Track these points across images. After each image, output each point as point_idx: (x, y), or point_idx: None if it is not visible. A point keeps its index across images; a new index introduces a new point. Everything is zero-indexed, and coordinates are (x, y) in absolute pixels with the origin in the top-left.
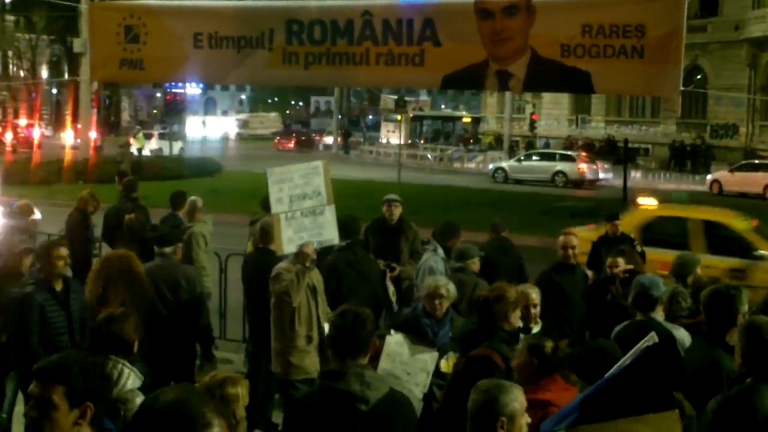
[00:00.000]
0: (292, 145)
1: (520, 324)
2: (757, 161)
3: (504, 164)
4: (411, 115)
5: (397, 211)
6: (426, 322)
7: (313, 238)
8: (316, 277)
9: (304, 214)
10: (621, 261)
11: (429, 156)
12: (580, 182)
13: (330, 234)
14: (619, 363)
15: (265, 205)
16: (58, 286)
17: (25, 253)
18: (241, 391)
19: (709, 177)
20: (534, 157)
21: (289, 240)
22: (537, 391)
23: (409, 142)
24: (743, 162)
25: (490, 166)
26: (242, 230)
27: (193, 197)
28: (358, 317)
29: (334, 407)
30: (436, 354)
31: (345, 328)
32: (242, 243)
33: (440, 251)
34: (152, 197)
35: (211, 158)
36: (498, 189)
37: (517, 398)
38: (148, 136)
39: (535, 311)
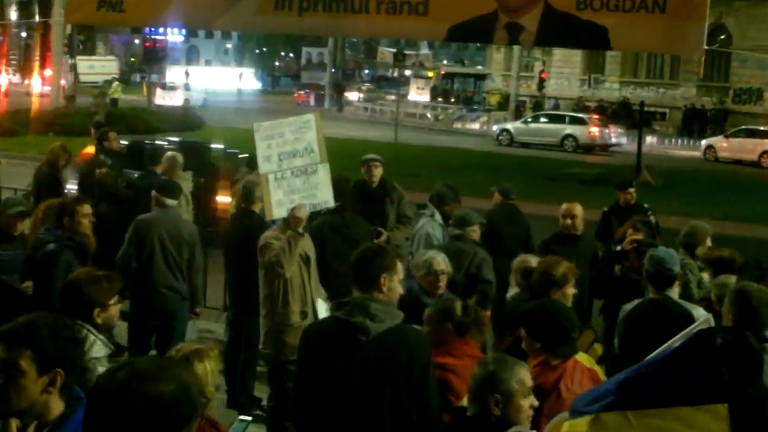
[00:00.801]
0: (312, 100)
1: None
2: (753, 127)
3: (509, 126)
4: (443, 72)
5: (378, 172)
6: (428, 303)
7: (305, 201)
8: (308, 245)
9: (295, 173)
10: (632, 232)
11: (428, 115)
12: (590, 147)
13: (324, 195)
14: (664, 346)
15: (251, 164)
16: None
17: (19, 217)
18: (210, 366)
19: (703, 143)
20: (542, 119)
21: (279, 203)
22: (443, 355)
23: (440, 99)
24: (740, 127)
25: (495, 128)
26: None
27: (171, 153)
28: (368, 252)
29: (336, 336)
30: None
31: (357, 262)
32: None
33: (438, 217)
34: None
35: (192, 111)
36: (502, 152)
37: (516, 376)
38: (172, 88)
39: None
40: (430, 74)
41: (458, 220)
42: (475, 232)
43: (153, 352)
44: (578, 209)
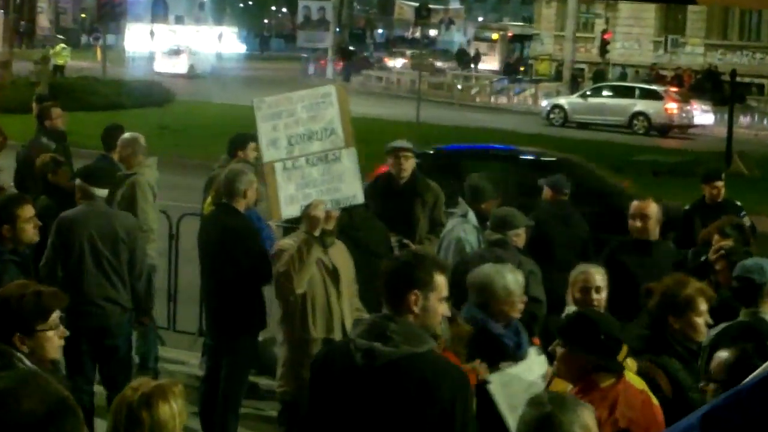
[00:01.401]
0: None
1: None
2: None
3: (563, 101)
4: (510, 35)
5: (409, 165)
6: (500, 333)
7: (325, 196)
8: (339, 255)
9: (311, 162)
10: (719, 238)
11: (459, 87)
12: (667, 128)
13: (350, 188)
14: (756, 373)
15: (234, 149)
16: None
17: None
18: (176, 406)
19: None
20: (605, 92)
21: (289, 199)
22: None
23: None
24: None
25: (545, 103)
26: (201, 182)
27: (132, 134)
28: (399, 262)
29: (339, 361)
30: (546, 367)
31: (385, 274)
32: (199, 199)
33: (471, 217)
34: (78, 133)
35: (158, 83)
36: (554, 134)
37: (580, 420)
38: (176, 52)
39: (599, 298)
40: (495, 36)
41: (498, 222)
42: (519, 237)
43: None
44: (652, 208)
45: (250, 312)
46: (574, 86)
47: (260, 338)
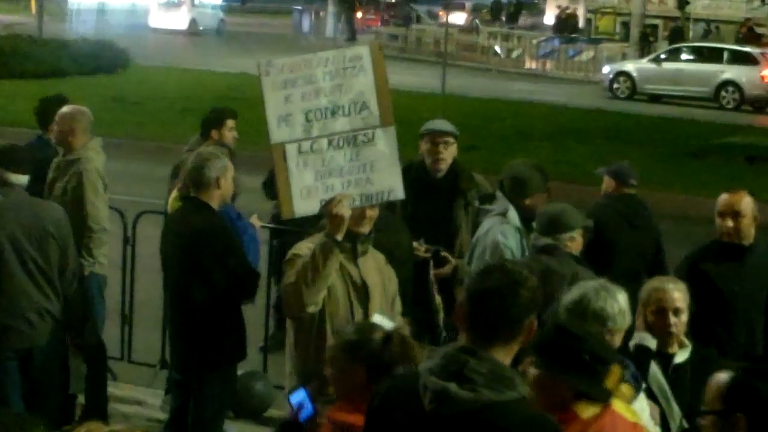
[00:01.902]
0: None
1: (648, 343)
2: None
3: (631, 67)
4: None
5: (449, 153)
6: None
7: (352, 189)
8: (374, 268)
9: (335, 144)
10: None
11: (497, 49)
12: (763, 102)
13: (386, 179)
14: None
15: (208, 128)
16: None
17: None
18: None
19: None
20: (684, 56)
21: (306, 192)
22: (350, 411)
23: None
24: None
25: (607, 70)
26: (165, 171)
27: (74, 107)
28: (505, 278)
29: (402, 403)
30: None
31: (480, 294)
32: (163, 192)
33: (513, 216)
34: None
35: (111, 43)
36: (618, 109)
37: None
38: (174, 4)
39: (679, 322)
40: None
41: (548, 222)
42: (574, 241)
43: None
44: (746, 204)
45: (226, 338)
46: (645, 48)
47: (239, 372)
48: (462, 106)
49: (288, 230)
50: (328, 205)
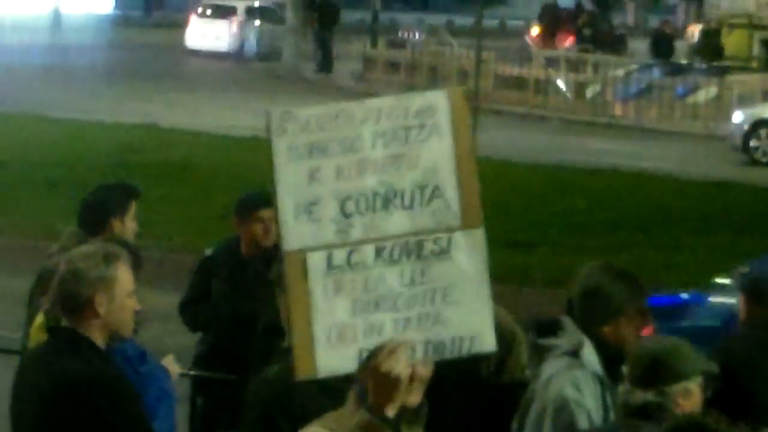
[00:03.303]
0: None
1: None
2: None
3: None
4: None
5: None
6: None
7: (414, 333)
8: None
9: (387, 256)
10: None
11: (560, 84)
12: None
13: (470, 320)
14: None
15: (102, 213)
16: None
17: None
18: None
19: None
20: None
21: (336, 334)
22: None
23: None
24: None
25: (739, 118)
26: (22, 285)
27: None
28: None
29: None
30: None
31: None
32: (16, 318)
33: (589, 355)
34: None
35: None
36: (759, 182)
37: None
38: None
39: None
40: None
41: (648, 368)
42: (690, 397)
43: None
44: None
45: None
46: None
47: None
48: (500, 177)
49: (223, 380)
50: (373, 359)
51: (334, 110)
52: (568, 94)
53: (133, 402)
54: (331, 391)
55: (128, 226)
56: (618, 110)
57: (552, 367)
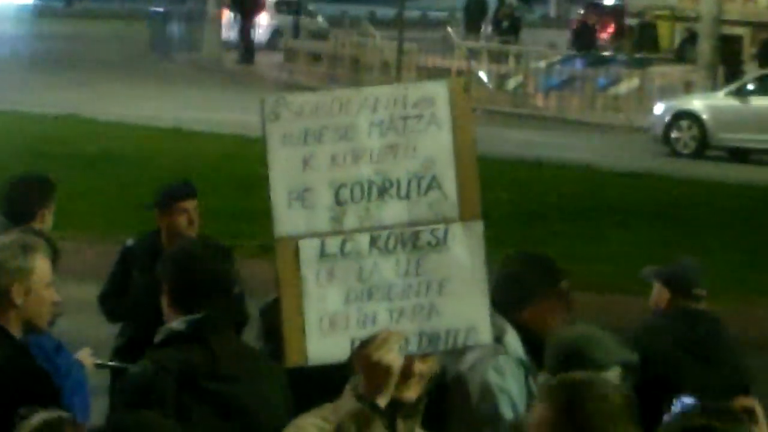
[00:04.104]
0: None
1: None
2: None
3: (698, 104)
4: None
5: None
6: None
7: (407, 324)
8: None
9: (382, 245)
10: None
11: (482, 76)
12: None
13: (466, 312)
14: None
15: (27, 204)
16: None
17: None
18: None
19: None
20: None
21: (328, 323)
22: None
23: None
24: None
25: (660, 110)
26: None
27: None
28: None
29: None
30: None
31: None
32: None
33: (512, 341)
34: None
35: None
36: (679, 173)
37: None
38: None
39: None
40: None
41: (565, 357)
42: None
43: None
44: None
45: None
46: (729, 74)
47: None
48: None
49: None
50: (365, 348)
51: (329, 97)
52: (490, 86)
53: (48, 394)
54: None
55: (47, 217)
56: (540, 102)
57: (475, 353)
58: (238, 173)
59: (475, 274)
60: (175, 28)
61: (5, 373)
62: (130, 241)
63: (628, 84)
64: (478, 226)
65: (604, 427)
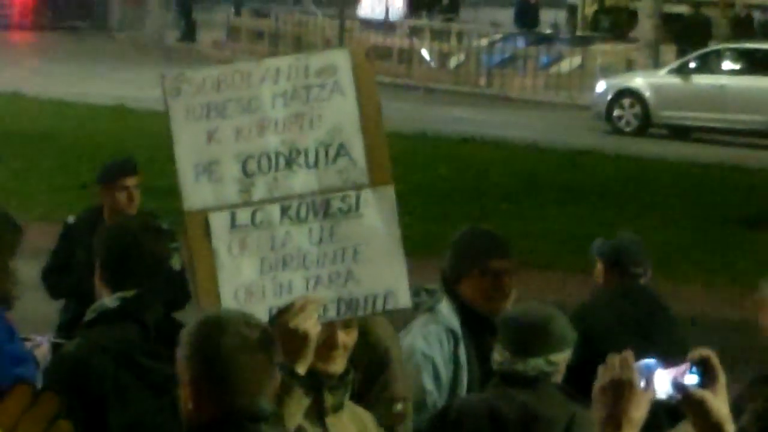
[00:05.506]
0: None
1: None
2: None
3: (640, 82)
4: None
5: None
6: None
7: (324, 290)
8: (352, 430)
9: (293, 214)
10: None
11: (425, 54)
12: None
13: (383, 276)
14: None
15: None
16: None
17: None
18: None
19: None
20: (728, 64)
21: (244, 294)
22: None
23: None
24: None
25: (601, 88)
26: None
27: None
28: None
29: None
30: None
31: None
32: None
33: (444, 310)
34: None
35: None
36: (621, 151)
37: None
38: None
39: None
40: None
41: (529, 336)
42: (560, 367)
43: None
44: None
45: None
46: (680, 53)
47: None
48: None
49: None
50: (282, 316)
51: (230, 70)
52: (433, 64)
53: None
54: (137, 370)
55: None
56: (482, 80)
57: (416, 323)
58: None
59: (390, 239)
60: (116, 7)
61: None
62: (71, 218)
63: (570, 62)
64: (390, 191)
65: (233, 357)
